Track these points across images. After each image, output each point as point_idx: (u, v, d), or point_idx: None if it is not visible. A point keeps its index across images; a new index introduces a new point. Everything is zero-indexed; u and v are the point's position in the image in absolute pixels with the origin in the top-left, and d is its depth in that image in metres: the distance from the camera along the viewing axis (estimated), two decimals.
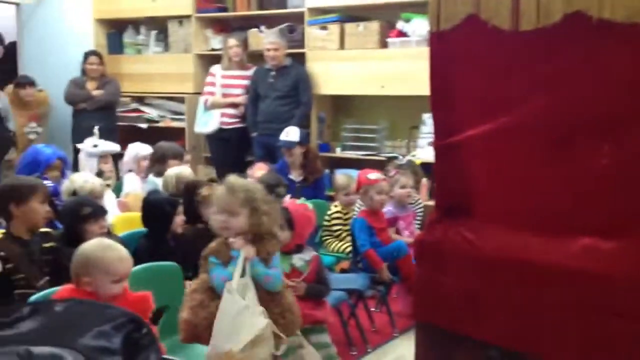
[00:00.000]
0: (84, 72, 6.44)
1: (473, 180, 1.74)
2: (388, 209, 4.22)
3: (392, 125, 5.99)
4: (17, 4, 7.24)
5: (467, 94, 1.75)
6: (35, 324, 1.35)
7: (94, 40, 6.91)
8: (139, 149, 4.95)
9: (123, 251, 2.35)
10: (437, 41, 1.78)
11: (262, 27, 6.20)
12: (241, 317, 2.32)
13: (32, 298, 2.28)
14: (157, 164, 4.68)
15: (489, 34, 1.70)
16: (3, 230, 2.93)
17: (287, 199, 3.21)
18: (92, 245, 2.34)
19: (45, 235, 2.93)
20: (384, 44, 5.64)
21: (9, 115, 5.81)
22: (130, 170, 4.88)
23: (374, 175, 4.07)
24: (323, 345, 3.00)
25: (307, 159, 5.04)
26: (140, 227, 3.47)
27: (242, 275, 2.45)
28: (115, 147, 5.04)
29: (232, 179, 2.58)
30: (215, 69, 6.22)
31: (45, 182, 3.48)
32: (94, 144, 4.90)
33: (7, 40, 7.47)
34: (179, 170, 4.13)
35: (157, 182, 4.45)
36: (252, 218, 2.48)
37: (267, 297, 2.48)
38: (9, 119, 5.78)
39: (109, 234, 3.20)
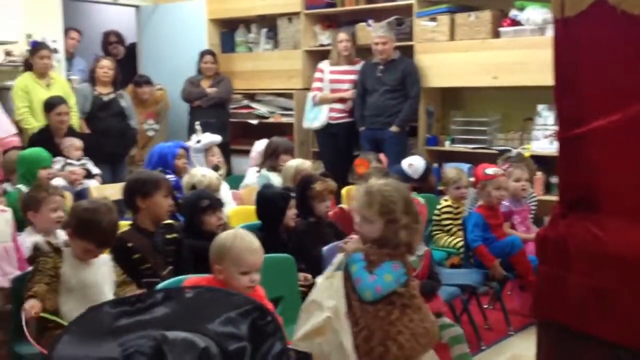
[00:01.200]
0: (199, 70, 6.71)
1: (601, 174, 1.66)
2: (503, 203, 4.11)
3: (504, 117, 5.83)
4: (137, 7, 7.63)
5: (594, 83, 1.66)
6: (168, 310, 1.42)
7: (208, 39, 7.16)
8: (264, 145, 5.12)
9: (254, 243, 2.32)
10: (562, 28, 1.70)
11: (370, 21, 6.20)
12: (309, 308, 2.24)
13: (161, 285, 2.40)
14: (270, 158, 4.81)
15: (618, 19, 1.61)
16: (129, 222, 3.10)
17: None
18: (226, 234, 2.36)
19: (168, 227, 3.08)
20: (496, 34, 5.50)
21: (132, 113, 6.13)
22: (257, 165, 5.02)
23: (492, 170, 3.96)
24: (448, 325, 2.97)
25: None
26: (255, 220, 3.58)
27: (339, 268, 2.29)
28: (215, 138, 5.19)
29: (372, 183, 2.36)
30: (324, 64, 6.29)
31: (168, 176, 3.64)
32: (197, 140, 5.09)
33: (127, 42, 7.87)
34: (299, 162, 4.22)
35: (269, 176, 4.56)
36: (387, 230, 2.28)
37: (359, 306, 2.23)
38: (132, 116, 6.10)
39: (225, 225, 3.32)
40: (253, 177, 4.90)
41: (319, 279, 2.28)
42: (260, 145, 5.12)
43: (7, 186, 4.02)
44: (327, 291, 2.22)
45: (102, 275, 2.57)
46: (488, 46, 5.49)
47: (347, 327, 2.18)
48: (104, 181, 5.19)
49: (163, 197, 3.06)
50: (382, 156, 5.01)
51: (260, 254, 2.34)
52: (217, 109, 6.61)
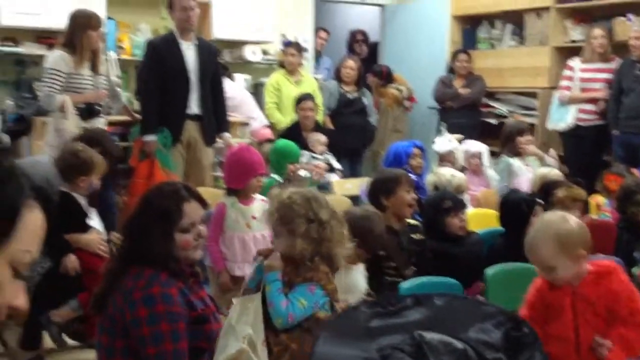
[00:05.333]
0: (451, 69, 6.67)
1: None
2: None
3: None
4: (382, 6, 7.81)
5: None
6: (419, 315, 1.42)
7: (449, 36, 7.10)
8: (469, 146, 4.99)
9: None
10: None
11: (630, 15, 5.66)
12: (226, 333, 1.97)
13: (404, 286, 2.42)
14: (507, 143, 4.71)
15: None
16: None
17: None
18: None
19: (413, 227, 3.10)
20: None
21: (372, 111, 6.30)
22: (464, 168, 4.91)
23: None
24: None
25: None
26: (494, 225, 3.46)
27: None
28: (477, 145, 5.10)
29: (275, 191, 2.12)
30: (574, 61, 5.88)
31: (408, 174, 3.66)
32: (448, 140, 5.04)
33: (371, 40, 8.09)
34: (547, 171, 4.04)
35: (509, 161, 4.49)
36: (288, 241, 2.00)
37: (272, 334, 1.96)
38: (372, 114, 6.27)
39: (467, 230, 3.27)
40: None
41: (235, 300, 2.01)
42: (464, 146, 5.02)
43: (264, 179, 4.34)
44: (244, 316, 1.96)
45: (359, 276, 2.62)
46: None
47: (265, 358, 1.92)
48: (344, 176, 5.40)
49: (405, 192, 3.09)
50: (635, 171, 4.57)
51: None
52: (468, 110, 6.51)
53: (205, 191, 4.22)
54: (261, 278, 2.00)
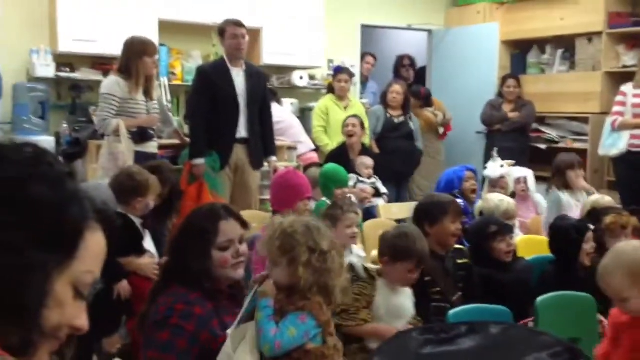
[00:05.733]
0: (500, 94, 6.64)
1: None
2: None
3: None
4: (429, 31, 7.81)
5: None
6: (473, 343, 1.40)
7: (498, 61, 7.05)
8: (514, 171, 4.92)
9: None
10: None
11: None
12: None
13: (452, 313, 2.39)
14: (557, 177, 4.61)
15: None
16: None
17: None
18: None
19: (459, 252, 3.05)
20: None
21: (419, 135, 6.27)
22: (514, 194, 4.83)
23: None
24: None
25: None
26: (546, 252, 3.39)
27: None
28: (522, 170, 5.02)
29: (277, 219, 2.07)
30: (627, 87, 5.75)
31: (457, 200, 3.62)
32: (500, 165, 4.97)
33: (418, 65, 8.09)
34: (598, 197, 3.95)
35: (559, 195, 4.39)
36: (290, 271, 1.93)
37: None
38: (418, 138, 6.25)
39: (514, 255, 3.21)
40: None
41: (230, 329, 1.93)
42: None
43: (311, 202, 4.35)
44: (242, 346, 1.87)
45: (407, 300, 2.61)
46: None
47: None
48: (390, 200, 5.37)
49: (450, 222, 3.04)
50: None
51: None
52: (517, 134, 6.46)
53: (252, 214, 4.28)
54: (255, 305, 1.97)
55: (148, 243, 3.38)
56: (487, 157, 5.59)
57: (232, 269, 2.07)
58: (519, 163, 5.17)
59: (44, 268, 0.81)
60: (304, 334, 1.88)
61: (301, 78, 6.69)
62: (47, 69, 5.57)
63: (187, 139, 5.06)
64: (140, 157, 4.40)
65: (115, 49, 4.75)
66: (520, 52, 7.10)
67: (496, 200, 3.78)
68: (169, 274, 2.09)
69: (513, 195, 4.65)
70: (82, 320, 0.88)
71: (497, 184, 4.80)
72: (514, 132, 6.42)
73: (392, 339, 1.41)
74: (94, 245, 0.88)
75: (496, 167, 4.91)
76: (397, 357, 1.36)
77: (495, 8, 7.18)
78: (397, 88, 6.24)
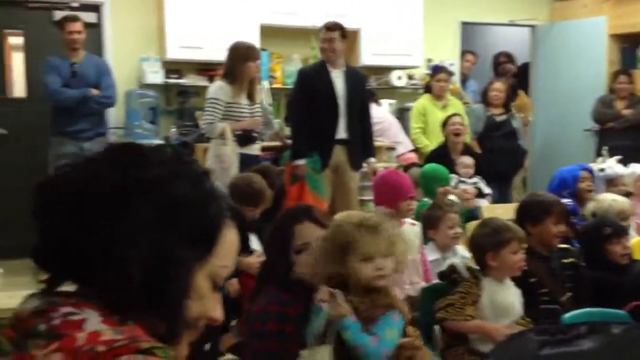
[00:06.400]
0: (611, 90, 6.38)
1: None
2: None
3: None
4: (533, 26, 7.59)
5: None
6: (594, 344, 1.36)
7: (607, 56, 6.75)
8: (636, 169, 4.65)
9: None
10: None
11: None
12: None
13: (567, 316, 2.32)
14: None
15: None
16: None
17: None
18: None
19: (564, 251, 2.95)
20: None
21: (522, 134, 6.12)
22: (629, 193, 4.57)
23: None
24: None
25: None
26: None
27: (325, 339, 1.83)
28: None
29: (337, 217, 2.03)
30: None
31: (564, 200, 3.50)
32: (604, 166, 4.76)
33: (519, 62, 7.87)
34: None
35: None
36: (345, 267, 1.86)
37: None
38: (522, 137, 6.10)
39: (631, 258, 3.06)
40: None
41: (304, 353, 1.83)
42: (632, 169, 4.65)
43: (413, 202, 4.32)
44: None
45: (515, 298, 2.57)
46: None
47: None
48: (493, 200, 5.26)
49: (553, 224, 2.93)
50: None
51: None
52: (631, 132, 6.18)
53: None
54: (325, 328, 1.86)
55: (255, 243, 3.47)
56: (598, 156, 5.37)
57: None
58: (634, 161, 4.93)
59: (188, 263, 0.87)
60: (400, 331, 1.87)
61: (399, 78, 6.67)
62: (156, 75, 5.84)
63: (288, 141, 5.16)
64: (244, 159, 4.54)
65: (220, 55, 4.92)
66: (629, 46, 6.77)
67: (609, 200, 3.61)
68: (261, 274, 2.15)
69: (627, 195, 4.42)
70: (218, 312, 0.93)
71: (613, 183, 4.59)
72: (628, 130, 6.14)
73: (507, 340, 1.39)
74: (229, 241, 0.93)
75: (609, 166, 4.71)
76: (515, 358, 1.34)
77: (602, 1, 6.88)
78: (498, 85, 6.11)
